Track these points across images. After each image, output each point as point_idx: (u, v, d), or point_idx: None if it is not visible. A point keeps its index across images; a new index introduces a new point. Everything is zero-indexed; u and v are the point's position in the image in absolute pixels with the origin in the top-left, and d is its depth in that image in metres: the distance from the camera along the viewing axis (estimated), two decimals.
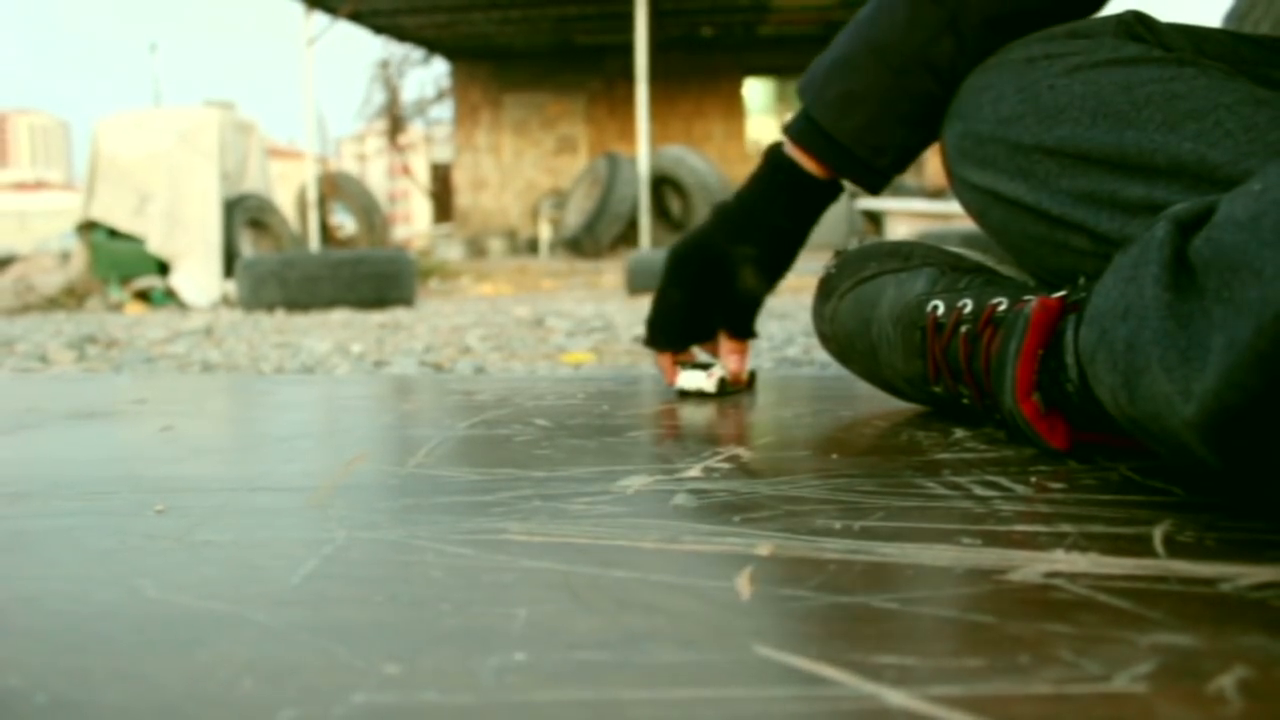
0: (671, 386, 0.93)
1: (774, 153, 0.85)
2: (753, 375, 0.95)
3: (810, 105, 0.81)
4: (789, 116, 0.85)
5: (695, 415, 0.82)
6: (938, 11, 0.75)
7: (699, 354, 0.95)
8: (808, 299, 0.89)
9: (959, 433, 0.71)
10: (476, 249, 10.80)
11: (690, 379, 0.91)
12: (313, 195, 8.77)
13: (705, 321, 0.90)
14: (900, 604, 0.39)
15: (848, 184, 0.86)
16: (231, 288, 5.62)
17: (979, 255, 0.79)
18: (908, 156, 0.82)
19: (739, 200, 0.86)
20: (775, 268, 0.87)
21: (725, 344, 0.91)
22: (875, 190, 0.84)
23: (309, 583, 0.43)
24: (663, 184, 9.20)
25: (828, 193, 0.85)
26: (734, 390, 0.92)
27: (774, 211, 0.85)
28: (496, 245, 10.99)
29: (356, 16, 9.78)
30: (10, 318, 5.02)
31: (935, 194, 9.38)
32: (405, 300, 5.02)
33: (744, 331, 0.90)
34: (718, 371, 0.90)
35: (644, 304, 4.38)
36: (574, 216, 9.62)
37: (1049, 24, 0.72)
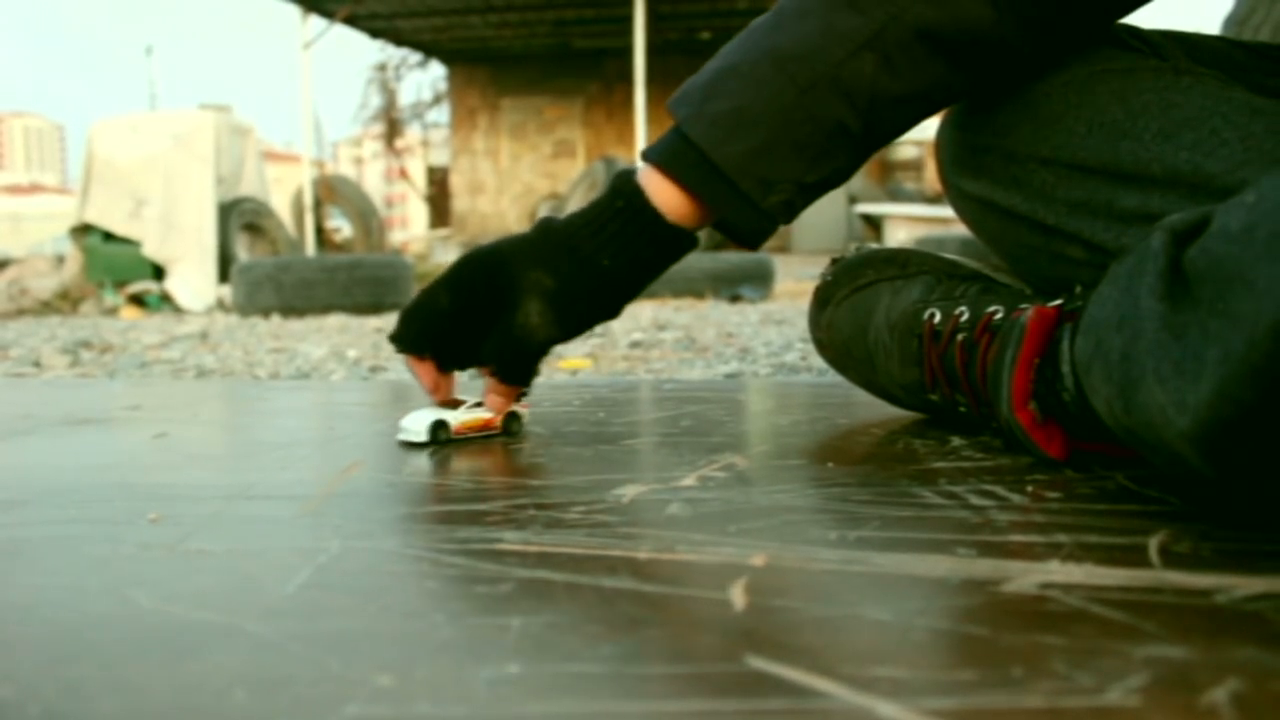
0: (431, 397, 0.77)
1: (618, 181, 0.68)
2: (514, 416, 0.77)
3: (685, 121, 0.65)
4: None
5: (692, 424, 0.82)
6: (860, 22, 0.62)
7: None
8: (805, 305, 0.88)
9: (956, 441, 0.71)
10: None
11: (407, 424, 0.74)
12: (309, 199, 8.76)
13: (471, 344, 0.73)
14: (894, 615, 0.39)
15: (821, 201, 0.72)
16: (227, 292, 5.61)
17: (976, 263, 0.79)
18: (799, 198, 0.67)
19: (563, 221, 0.70)
20: (573, 314, 0.69)
21: (489, 387, 0.75)
22: (752, 242, 0.68)
23: (303, 592, 0.43)
24: None
25: (673, 243, 0.68)
26: (469, 436, 0.75)
27: (595, 242, 0.67)
28: None
29: (353, 20, 9.79)
30: (4, 322, 5.01)
31: (934, 199, 9.39)
32: (402, 305, 5.02)
33: (511, 376, 0.73)
34: (435, 415, 0.74)
35: (641, 310, 4.38)
36: None
37: (998, 52, 0.64)
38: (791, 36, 0.64)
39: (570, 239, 0.68)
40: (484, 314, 0.71)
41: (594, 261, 0.67)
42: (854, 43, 0.62)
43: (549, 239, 0.69)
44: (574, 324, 0.70)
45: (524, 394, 0.76)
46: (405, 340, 0.74)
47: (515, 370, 0.73)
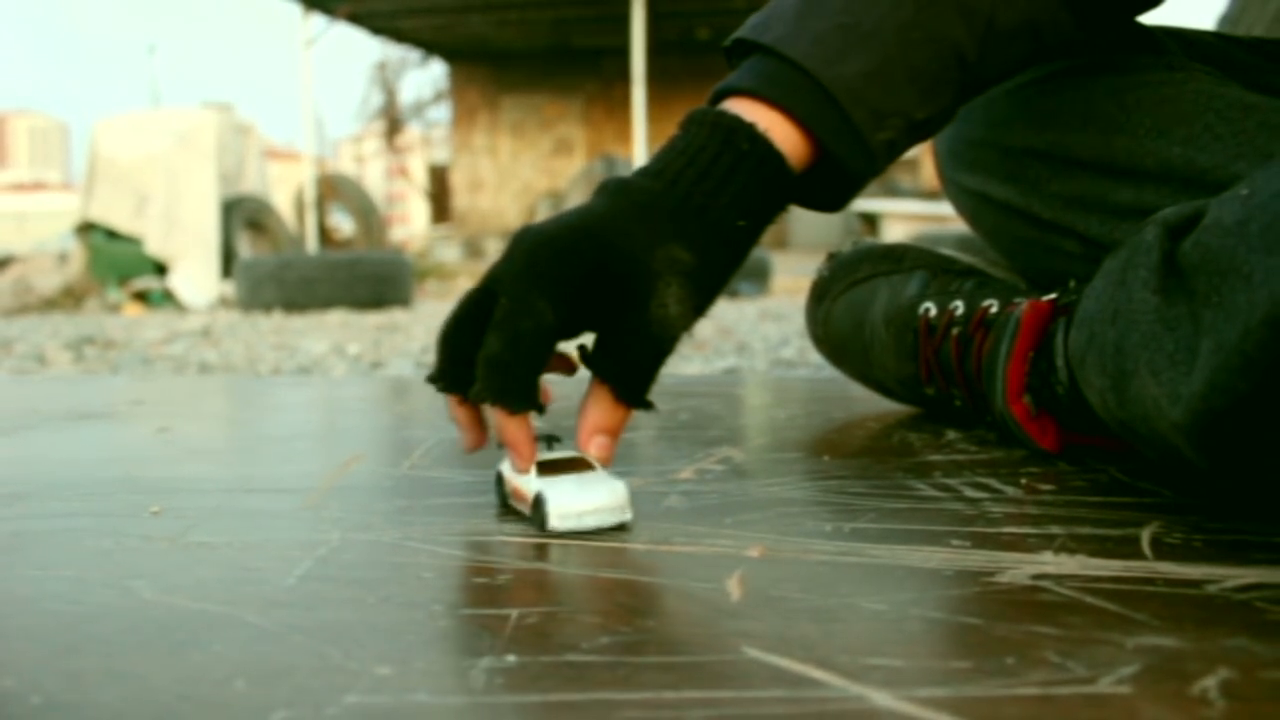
0: (470, 452, 0.55)
1: (719, 119, 0.53)
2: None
3: (782, 41, 0.54)
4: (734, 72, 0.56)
5: (689, 418, 0.82)
6: None
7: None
8: (803, 301, 0.89)
9: (951, 434, 0.72)
10: (474, 250, 10.80)
11: (583, 504, 0.50)
12: (310, 197, 8.76)
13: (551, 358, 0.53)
14: (889, 606, 0.39)
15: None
16: (229, 289, 5.62)
17: (971, 258, 0.79)
18: (903, 141, 0.56)
19: (666, 179, 0.52)
20: (710, 292, 0.53)
21: (596, 412, 0.52)
22: (845, 196, 0.57)
23: (303, 584, 0.43)
24: None
25: (791, 193, 0.55)
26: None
27: (724, 199, 0.52)
28: (494, 246, 10.98)
29: (354, 18, 9.78)
30: (8, 318, 5.02)
31: (930, 196, 9.39)
32: (402, 301, 5.02)
33: (636, 391, 0.52)
34: (610, 479, 0.52)
35: None
36: None
37: None
38: None
39: (690, 199, 0.52)
40: (596, 318, 0.52)
41: (727, 224, 0.52)
42: None
43: (664, 203, 0.52)
44: (706, 306, 0.54)
45: (650, 408, 0.53)
46: (515, 394, 0.51)
47: (643, 380, 0.52)
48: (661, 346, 0.52)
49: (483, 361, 0.50)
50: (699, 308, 0.53)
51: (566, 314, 0.50)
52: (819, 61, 0.53)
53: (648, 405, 0.53)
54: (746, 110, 0.53)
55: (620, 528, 0.50)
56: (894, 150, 0.56)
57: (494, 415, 0.51)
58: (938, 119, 0.58)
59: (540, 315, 0.49)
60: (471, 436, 0.55)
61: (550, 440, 0.54)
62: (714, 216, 0.52)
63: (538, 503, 0.50)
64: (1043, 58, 0.64)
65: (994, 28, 0.56)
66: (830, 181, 0.56)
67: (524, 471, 0.52)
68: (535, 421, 0.53)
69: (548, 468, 0.52)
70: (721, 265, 0.53)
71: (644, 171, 0.53)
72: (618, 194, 0.52)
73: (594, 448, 0.52)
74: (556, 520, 0.50)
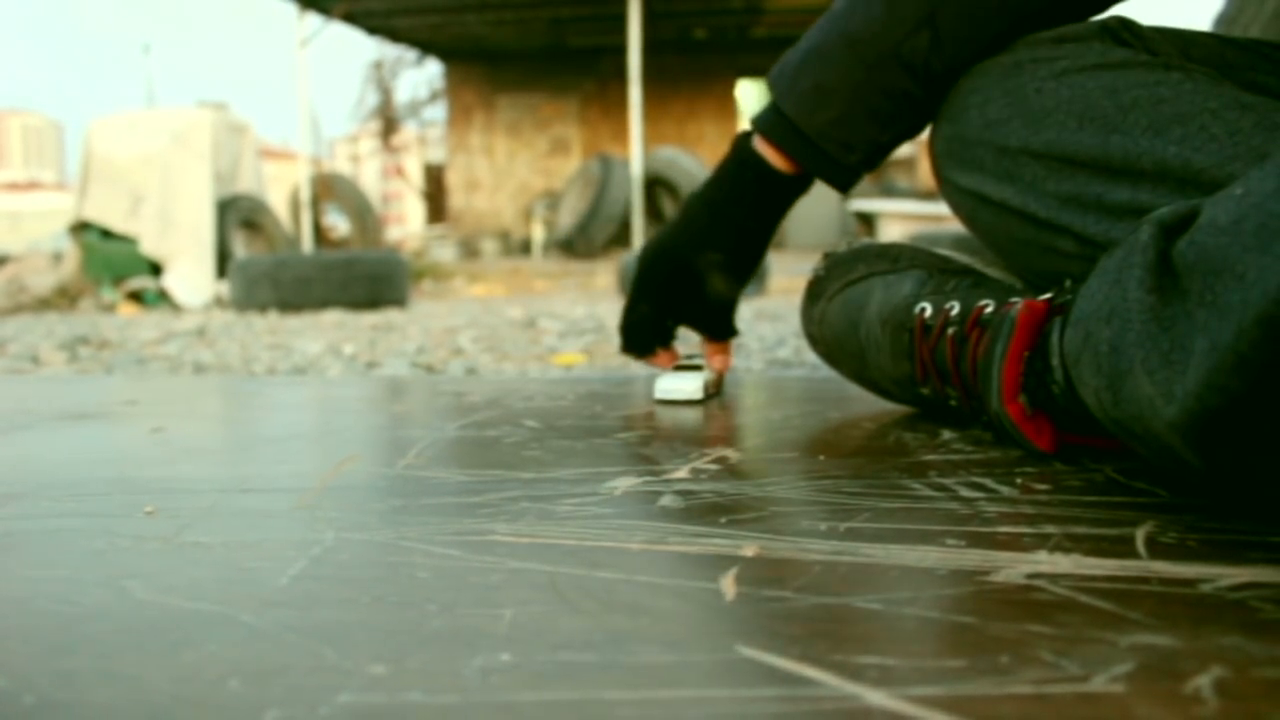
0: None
1: (741, 147, 0.83)
2: (720, 378, 0.95)
3: (780, 97, 0.79)
4: (758, 109, 0.83)
5: (684, 417, 0.83)
6: (915, 6, 0.73)
7: (681, 347, 0.96)
8: (798, 301, 0.89)
9: (946, 434, 0.72)
10: (470, 250, 10.80)
11: (673, 386, 0.89)
12: (306, 196, 8.76)
13: (675, 324, 0.91)
14: (883, 605, 0.39)
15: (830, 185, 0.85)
16: (224, 289, 5.61)
17: (967, 258, 0.79)
18: (877, 154, 0.79)
19: (704, 202, 0.85)
20: (743, 268, 0.86)
21: (709, 345, 0.92)
22: (844, 188, 0.82)
23: (297, 584, 0.43)
24: (656, 185, 9.20)
25: (795, 188, 0.83)
26: (713, 395, 0.92)
27: (741, 212, 0.83)
28: (490, 246, 10.99)
29: (350, 18, 9.77)
30: (2, 318, 5.01)
31: (927, 196, 9.40)
32: (398, 301, 5.02)
33: (722, 333, 0.90)
34: (701, 376, 0.89)
35: None
36: (567, 218, 9.62)
37: (1033, 24, 0.71)
38: (859, 20, 0.75)
39: (719, 216, 0.84)
40: (676, 301, 0.88)
41: (745, 226, 0.83)
42: (911, 24, 0.73)
43: (701, 221, 0.85)
44: (746, 276, 0.87)
45: (737, 334, 0.92)
46: (639, 349, 0.92)
47: (723, 327, 0.90)
48: (723, 308, 0.88)
49: (619, 333, 0.92)
50: (739, 280, 0.87)
51: (660, 304, 0.88)
52: (801, 114, 0.78)
53: (735, 333, 0.91)
54: (758, 142, 0.82)
55: (695, 403, 0.88)
56: (872, 161, 0.80)
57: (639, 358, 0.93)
58: (904, 136, 0.79)
59: (641, 310, 0.89)
60: (659, 363, 0.93)
61: (691, 359, 0.94)
62: (733, 223, 0.84)
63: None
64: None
65: (931, 71, 0.74)
66: (827, 183, 0.82)
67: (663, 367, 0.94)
68: (681, 351, 0.95)
69: (678, 368, 0.92)
70: (745, 252, 0.85)
71: (701, 190, 0.85)
72: (681, 213, 0.86)
73: (716, 361, 0.93)
74: (658, 392, 0.90)
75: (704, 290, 0.86)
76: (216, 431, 0.89)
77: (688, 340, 0.96)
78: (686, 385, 0.88)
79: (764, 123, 0.81)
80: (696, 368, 0.92)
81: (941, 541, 0.47)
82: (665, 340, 0.92)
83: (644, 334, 0.91)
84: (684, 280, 0.86)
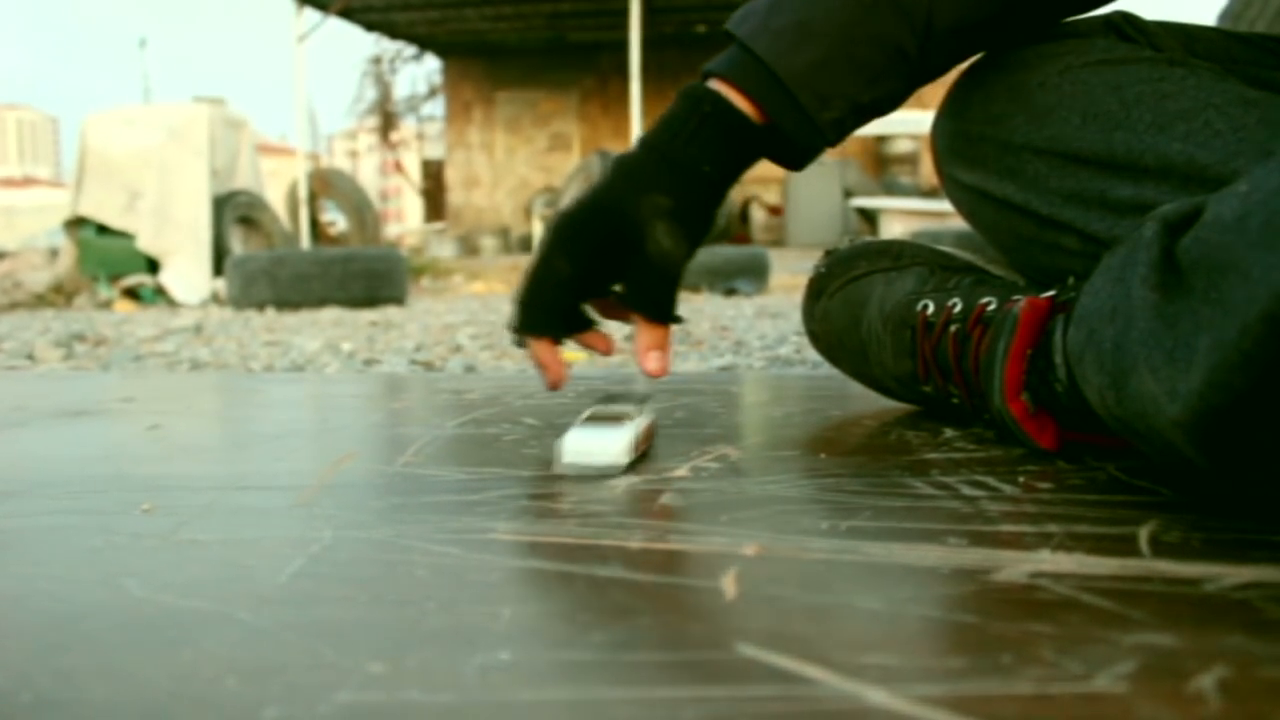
0: (554, 390, 0.71)
1: (693, 90, 0.67)
2: (651, 430, 0.69)
3: (750, 37, 0.66)
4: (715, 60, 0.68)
5: (685, 415, 0.82)
6: None
7: (571, 345, 0.74)
8: (800, 299, 0.88)
9: (948, 432, 0.72)
10: (469, 247, 10.79)
11: (586, 447, 0.61)
12: (304, 192, 8.75)
13: (598, 294, 0.71)
14: (885, 604, 0.39)
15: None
16: (221, 285, 5.60)
17: (969, 255, 0.79)
18: (851, 118, 0.67)
19: (645, 145, 0.68)
20: (695, 225, 0.67)
21: (643, 335, 0.68)
22: (803, 154, 0.69)
23: (295, 582, 0.43)
24: None
25: (757, 140, 0.67)
26: (641, 457, 0.65)
27: (694, 150, 0.66)
28: (489, 243, 10.98)
29: (348, 13, 9.76)
30: None
31: (929, 193, 9.40)
32: (396, 298, 5.02)
33: (662, 312, 0.68)
34: (627, 431, 0.62)
35: None
36: None
37: None
38: None
39: (667, 155, 0.66)
40: (609, 263, 0.67)
41: (696, 170, 0.66)
42: None
43: (643, 164, 0.67)
44: (697, 237, 0.67)
45: (680, 321, 0.70)
46: (533, 324, 0.69)
47: (664, 302, 0.68)
48: (667, 274, 0.67)
49: (515, 301, 0.69)
50: (690, 239, 0.67)
51: (584, 267, 0.67)
52: (775, 54, 0.65)
53: (677, 319, 0.69)
54: (716, 84, 0.67)
55: (620, 471, 0.60)
56: (843, 127, 0.68)
57: (530, 344, 0.69)
58: (885, 102, 0.68)
59: (558, 271, 0.67)
60: (548, 375, 0.71)
61: (613, 403, 0.69)
62: (684, 165, 0.66)
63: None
64: (993, 47, 0.72)
65: (933, 27, 0.65)
66: (786, 149, 0.68)
67: (550, 387, 0.70)
68: (570, 346, 0.72)
69: (593, 420, 0.65)
70: (698, 204, 0.67)
71: (636, 142, 0.68)
72: (613, 165, 0.68)
73: (650, 361, 0.67)
74: (565, 454, 0.61)
75: (645, 247, 0.65)
76: (214, 429, 0.88)
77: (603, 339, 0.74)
78: (607, 446, 0.61)
79: (728, 64, 0.67)
80: (617, 418, 0.65)
81: (943, 540, 0.47)
82: (578, 323, 0.71)
83: (553, 307, 0.69)
84: (618, 236, 0.66)
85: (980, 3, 0.66)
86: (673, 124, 0.67)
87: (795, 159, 0.69)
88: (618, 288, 0.69)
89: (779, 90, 0.65)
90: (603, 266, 0.67)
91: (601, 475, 0.59)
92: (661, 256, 0.66)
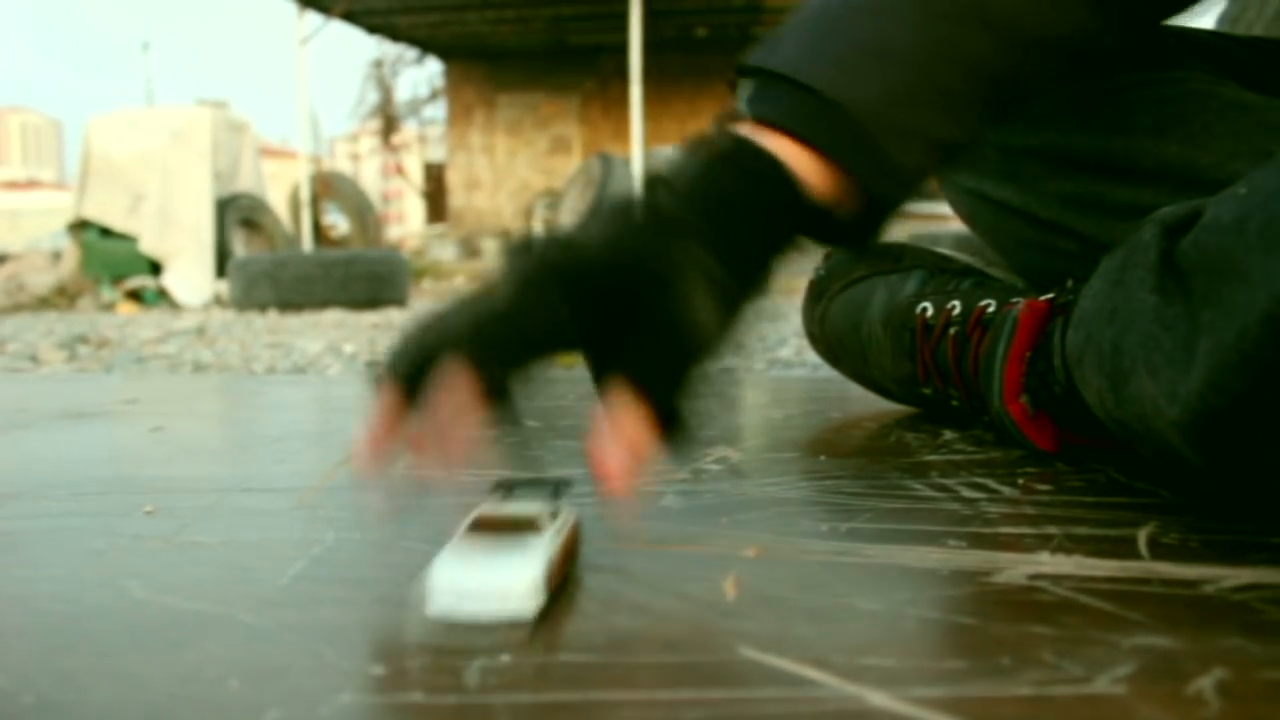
0: (450, 472, 0.45)
1: (739, 150, 0.48)
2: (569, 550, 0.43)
3: (797, 68, 0.48)
4: (745, 94, 0.52)
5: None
6: None
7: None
8: (800, 299, 0.88)
9: (948, 434, 0.72)
10: (470, 249, 10.79)
11: (465, 584, 0.38)
12: (306, 195, 8.75)
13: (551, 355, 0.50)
14: (884, 606, 0.39)
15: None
16: (224, 288, 5.60)
17: (968, 257, 0.79)
18: (931, 164, 0.51)
19: (666, 184, 0.47)
20: (737, 316, 0.46)
21: (622, 423, 0.44)
22: (874, 220, 0.51)
23: (297, 583, 0.43)
24: None
25: (820, 216, 0.49)
26: (556, 590, 0.40)
27: (740, 227, 0.46)
28: (490, 246, 10.96)
29: (350, 16, 9.77)
30: (1, 317, 5.00)
31: (928, 195, 9.38)
32: (398, 301, 5.02)
33: (664, 391, 0.45)
34: (539, 550, 0.39)
35: None
36: (568, 217, 9.62)
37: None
38: None
39: (713, 215, 0.46)
40: (614, 318, 0.45)
41: (745, 250, 0.47)
42: None
43: (680, 209, 0.46)
44: (735, 334, 0.47)
45: (685, 432, 0.45)
46: (503, 357, 0.49)
47: (672, 380, 0.45)
48: (692, 349, 0.45)
49: (447, 329, 0.50)
50: (727, 325, 0.46)
51: (591, 324, 0.46)
52: (841, 84, 0.47)
53: (682, 422, 0.45)
54: (765, 139, 0.48)
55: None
56: (920, 173, 0.51)
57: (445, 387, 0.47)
58: (963, 140, 0.53)
59: (528, 304, 0.47)
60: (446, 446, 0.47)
61: (508, 493, 0.46)
62: (732, 238, 0.46)
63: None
64: (1076, 72, 0.61)
65: (1018, 38, 0.51)
66: (861, 213, 0.50)
67: (445, 468, 0.44)
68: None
69: (476, 529, 0.42)
70: (746, 287, 0.47)
71: (661, 187, 0.48)
72: (613, 214, 0.47)
73: (612, 466, 0.43)
74: (429, 605, 0.38)
75: (670, 307, 0.44)
76: (216, 431, 0.89)
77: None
78: (504, 582, 0.38)
79: (777, 106, 0.48)
80: (520, 527, 0.42)
81: (943, 542, 0.47)
82: (499, 389, 0.48)
83: (502, 356, 0.48)
84: (633, 292, 0.44)
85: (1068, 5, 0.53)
86: (707, 178, 0.47)
87: (859, 227, 0.51)
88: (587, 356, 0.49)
89: (849, 130, 0.48)
90: (609, 315, 0.45)
91: (495, 626, 0.37)
92: (692, 325, 0.44)
